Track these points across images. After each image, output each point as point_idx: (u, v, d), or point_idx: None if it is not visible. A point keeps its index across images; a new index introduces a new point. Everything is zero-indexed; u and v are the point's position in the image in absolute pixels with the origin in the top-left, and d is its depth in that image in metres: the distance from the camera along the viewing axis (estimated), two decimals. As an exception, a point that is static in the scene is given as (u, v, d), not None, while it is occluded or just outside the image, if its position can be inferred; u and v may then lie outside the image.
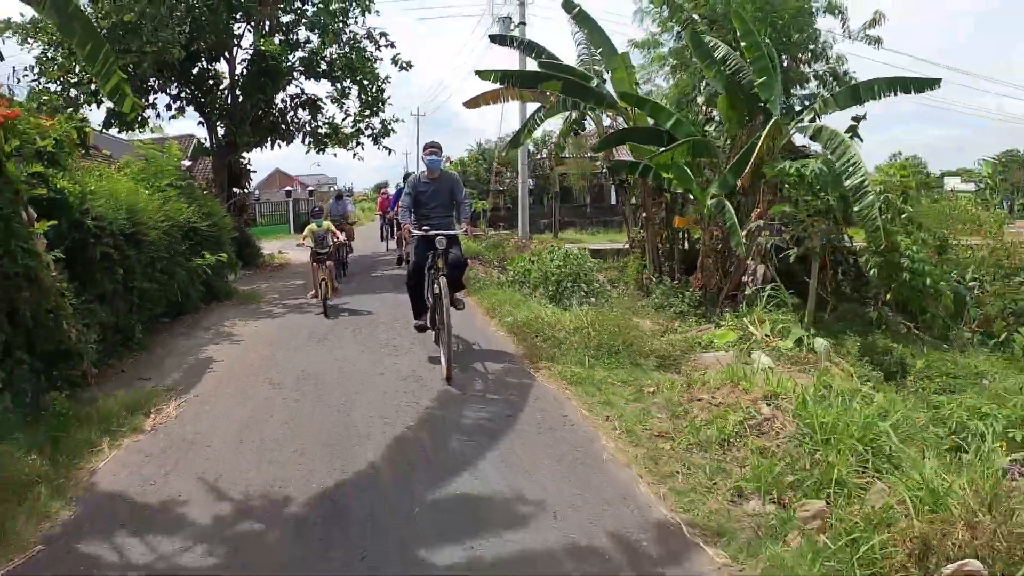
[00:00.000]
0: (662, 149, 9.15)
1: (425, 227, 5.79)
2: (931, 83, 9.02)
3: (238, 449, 3.97)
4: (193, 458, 3.84)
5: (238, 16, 14.30)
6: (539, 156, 26.65)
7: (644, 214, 11.07)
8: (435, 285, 5.64)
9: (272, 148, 17.75)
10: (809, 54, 11.54)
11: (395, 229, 13.62)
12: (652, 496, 3.34)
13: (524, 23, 19.30)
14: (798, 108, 10.57)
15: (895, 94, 9.04)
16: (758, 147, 8.26)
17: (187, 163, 11.37)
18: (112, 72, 4.43)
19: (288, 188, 35.40)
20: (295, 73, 15.96)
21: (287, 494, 3.35)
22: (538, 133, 19.40)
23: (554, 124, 15.74)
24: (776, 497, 3.26)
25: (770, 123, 8.35)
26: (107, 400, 4.55)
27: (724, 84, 9.35)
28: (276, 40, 14.96)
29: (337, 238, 9.13)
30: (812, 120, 9.17)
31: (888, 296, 8.79)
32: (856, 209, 7.64)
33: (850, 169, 7.70)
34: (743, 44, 8.94)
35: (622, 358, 5.80)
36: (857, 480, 3.26)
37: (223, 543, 2.95)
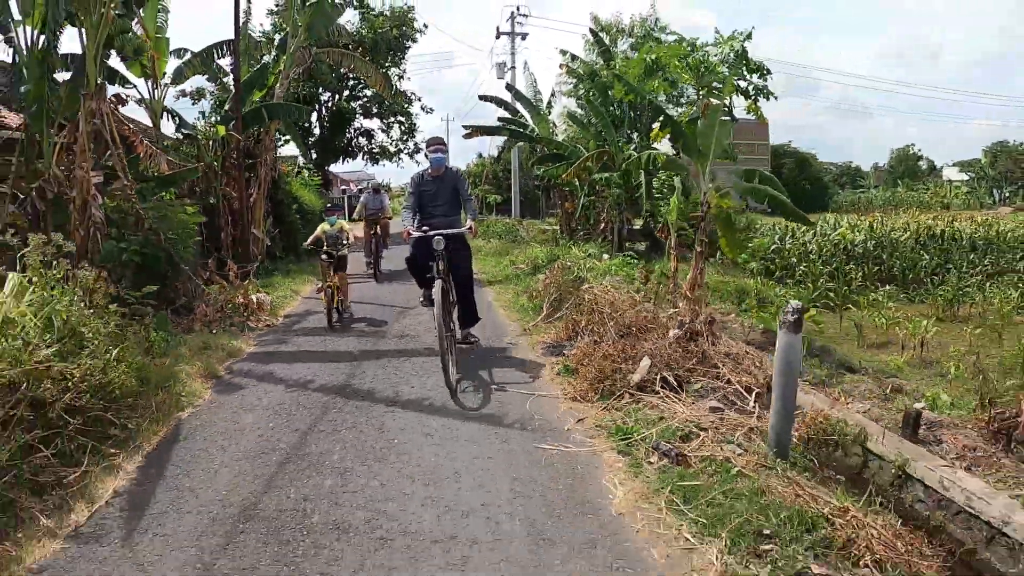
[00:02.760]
0: (556, 166, 18.00)
1: (425, 227, 5.60)
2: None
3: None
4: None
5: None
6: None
7: (560, 204, 19.98)
8: (434, 288, 5.34)
9: (342, 163, 27.38)
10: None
11: None
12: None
13: (514, 67, 28.24)
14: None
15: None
16: (582, 160, 16.89)
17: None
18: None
19: (343, 188, 45.27)
20: (357, 115, 25.44)
21: None
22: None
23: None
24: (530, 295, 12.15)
25: (595, 151, 17.02)
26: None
27: (591, 133, 18.09)
28: (345, 95, 24.41)
29: (352, 237, 8.32)
30: (634, 148, 17.78)
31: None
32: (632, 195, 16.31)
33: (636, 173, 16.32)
34: (593, 115, 17.64)
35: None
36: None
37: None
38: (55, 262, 4.62)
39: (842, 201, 54.28)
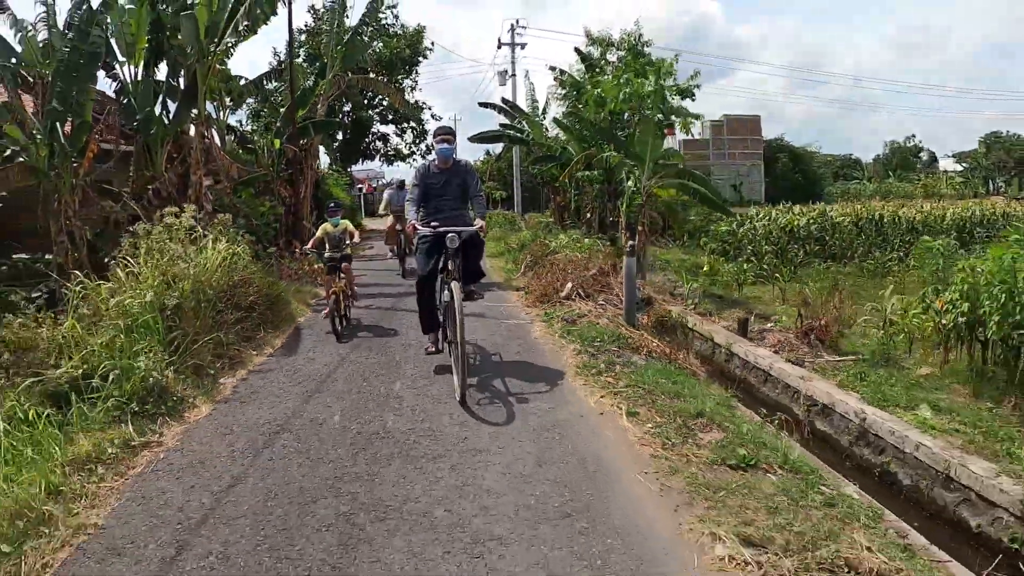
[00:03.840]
0: (549, 166, 21.36)
1: (434, 223, 5.30)
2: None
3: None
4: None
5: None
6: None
7: (552, 198, 23.36)
8: (445, 291, 5.14)
9: (361, 164, 30.90)
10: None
11: None
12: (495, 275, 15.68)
13: (514, 75, 31.59)
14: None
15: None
16: (575, 162, 20.31)
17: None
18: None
19: (360, 186, 48.85)
20: (375, 122, 28.96)
21: None
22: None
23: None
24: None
25: (583, 154, 20.41)
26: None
27: (577, 137, 21.44)
28: (364, 103, 27.93)
29: (357, 238, 7.97)
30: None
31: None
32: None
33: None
34: (579, 122, 20.99)
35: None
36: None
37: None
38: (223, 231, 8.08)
39: (833, 192, 57.07)
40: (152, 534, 3.07)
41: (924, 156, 74.96)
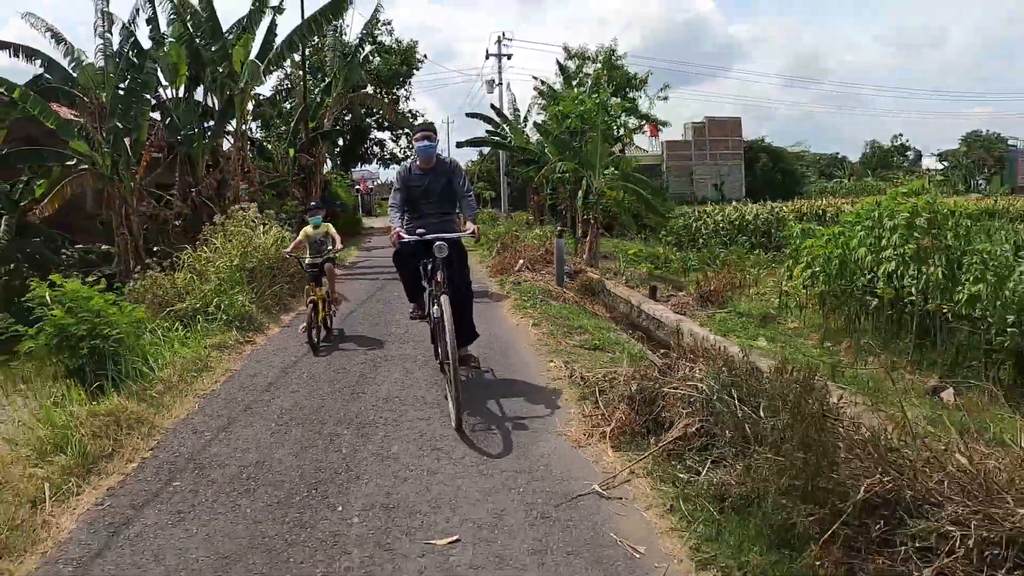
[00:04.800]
0: (528, 168, 24.31)
1: (420, 230, 4.92)
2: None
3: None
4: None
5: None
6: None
7: (532, 197, 26.33)
8: (435, 306, 4.77)
9: (360, 167, 33.83)
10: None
11: None
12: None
13: (501, 83, 34.59)
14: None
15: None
16: (547, 166, 23.23)
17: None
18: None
19: (358, 186, 51.77)
20: (372, 128, 31.88)
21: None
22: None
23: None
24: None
25: (555, 160, 23.37)
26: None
27: (552, 142, 24.39)
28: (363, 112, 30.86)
29: (339, 243, 7.19)
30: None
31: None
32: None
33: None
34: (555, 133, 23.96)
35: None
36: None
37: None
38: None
39: (812, 190, 59.95)
40: (262, 376, 5.98)
41: (911, 155, 77.76)
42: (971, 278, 7.29)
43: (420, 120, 32.41)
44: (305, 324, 6.73)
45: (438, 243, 4.60)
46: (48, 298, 5.35)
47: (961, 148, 67.68)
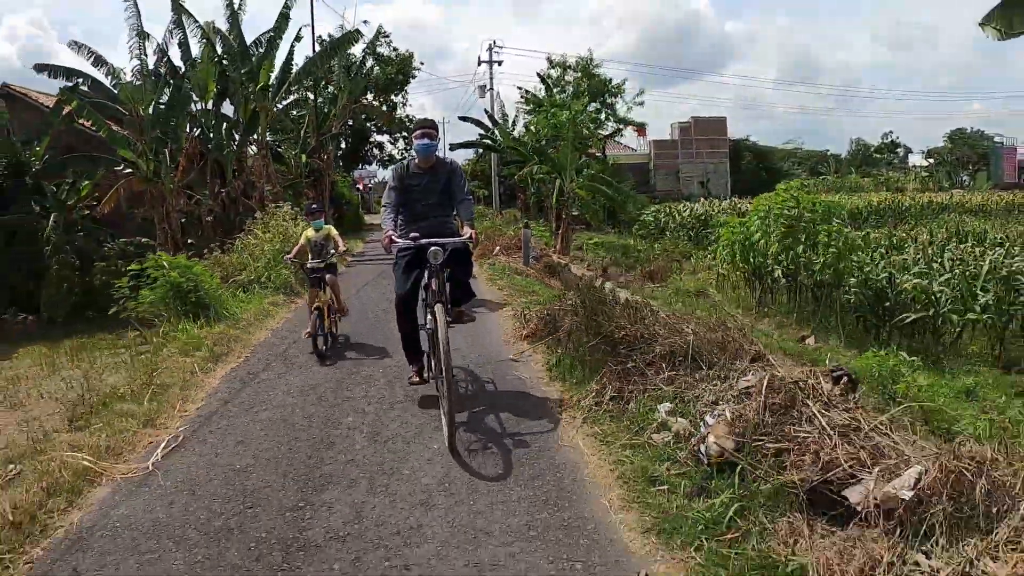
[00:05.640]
0: (512, 168, 27.02)
1: (414, 234, 4.71)
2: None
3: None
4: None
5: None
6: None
7: (519, 196, 29.09)
8: (428, 317, 4.60)
9: (360, 168, 36.60)
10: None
11: None
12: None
13: (492, 89, 37.33)
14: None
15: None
16: (527, 167, 25.92)
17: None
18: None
19: (358, 185, 54.47)
20: (372, 132, 34.64)
21: None
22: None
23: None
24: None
25: (533, 164, 26.08)
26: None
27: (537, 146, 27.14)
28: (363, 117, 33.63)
29: (342, 246, 6.96)
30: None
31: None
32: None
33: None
34: (530, 144, 26.69)
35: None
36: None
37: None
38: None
39: (795, 186, 62.33)
40: (301, 326, 8.70)
41: (900, 152, 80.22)
42: (822, 254, 10.04)
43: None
44: (309, 330, 6.58)
45: (432, 249, 4.41)
46: (166, 264, 8.10)
47: (946, 145, 70.14)
